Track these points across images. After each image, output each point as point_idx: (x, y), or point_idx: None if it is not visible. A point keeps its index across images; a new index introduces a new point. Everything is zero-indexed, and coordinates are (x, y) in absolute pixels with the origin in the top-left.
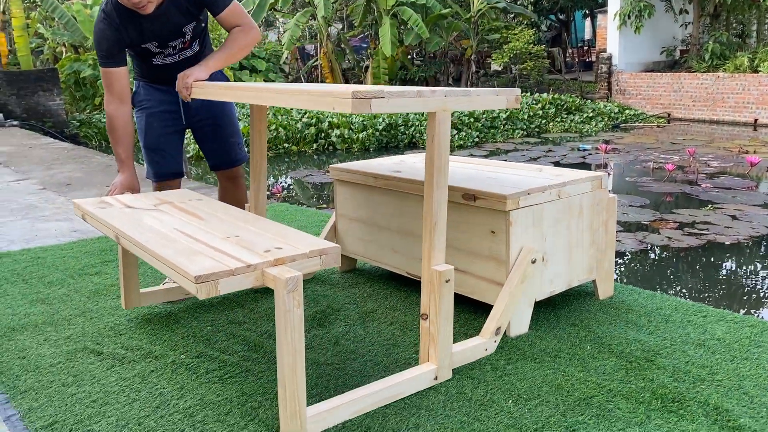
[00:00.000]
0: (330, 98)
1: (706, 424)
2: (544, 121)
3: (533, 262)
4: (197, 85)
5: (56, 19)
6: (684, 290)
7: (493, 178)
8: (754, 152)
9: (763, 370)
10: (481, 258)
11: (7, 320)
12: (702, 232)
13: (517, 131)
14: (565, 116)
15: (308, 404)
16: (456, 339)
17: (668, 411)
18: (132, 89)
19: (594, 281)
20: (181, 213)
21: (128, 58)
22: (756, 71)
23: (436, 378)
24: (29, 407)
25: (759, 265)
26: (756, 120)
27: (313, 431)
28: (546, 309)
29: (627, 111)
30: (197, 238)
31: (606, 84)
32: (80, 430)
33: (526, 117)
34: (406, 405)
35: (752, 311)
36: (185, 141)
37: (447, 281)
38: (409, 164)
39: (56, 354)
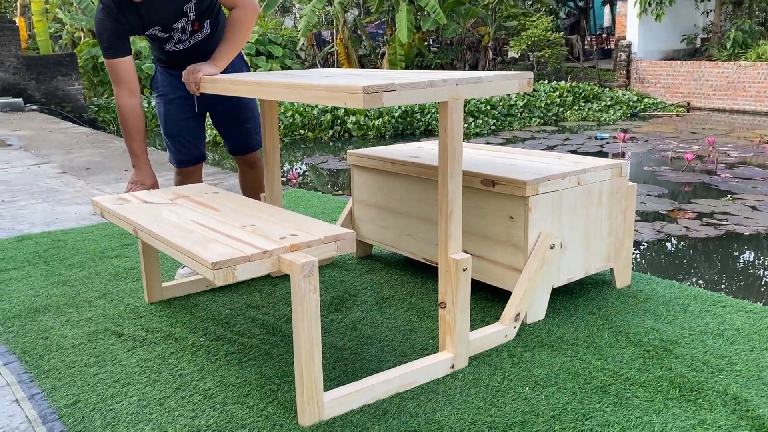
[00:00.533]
0: (341, 93)
1: (725, 414)
2: (561, 109)
3: (551, 248)
4: (206, 79)
5: (74, 4)
6: (701, 281)
7: (512, 164)
8: None
9: None
10: (500, 244)
11: (30, 301)
12: (721, 222)
13: (534, 119)
14: (583, 104)
15: (326, 388)
16: (474, 326)
17: (686, 400)
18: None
19: (611, 270)
20: (198, 206)
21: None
22: None
23: (452, 366)
24: (52, 386)
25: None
26: None
27: (331, 415)
28: (563, 296)
29: (646, 100)
30: (214, 228)
31: (625, 72)
32: (102, 409)
33: (543, 105)
34: (423, 390)
35: (759, 300)
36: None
37: (464, 270)
38: (427, 150)
39: (78, 335)
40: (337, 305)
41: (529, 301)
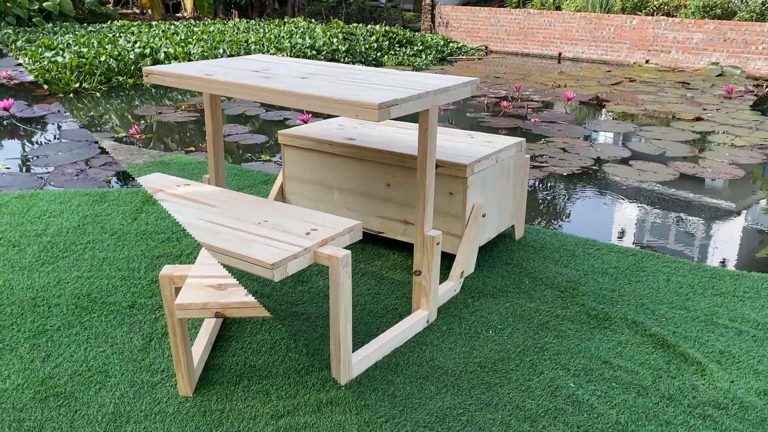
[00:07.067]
0: (356, 108)
1: (631, 335)
2: (379, 54)
3: (483, 216)
4: (149, 70)
5: None
6: (564, 223)
7: (439, 145)
8: (565, 86)
9: (653, 289)
10: (440, 215)
11: None
12: (542, 164)
13: (356, 64)
14: (398, 49)
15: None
16: None
17: (603, 327)
18: None
19: (513, 226)
20: (187, 201)
21: None
22: (558, 8)
23: (428, 321)
24: None
25: (593, 193)
26: (560, 53)
27: (356, 374)
28: (481, 252)
29: (451, 44)
30: (232, 226)
31: (430, 16)
32: None
33: (363, 50)
34: (414, 343)
35: (620, 239)
36: None
37: (437, 244)
38: (356, 131)
39: None
40: (299, 276)
41: (470, 261)
